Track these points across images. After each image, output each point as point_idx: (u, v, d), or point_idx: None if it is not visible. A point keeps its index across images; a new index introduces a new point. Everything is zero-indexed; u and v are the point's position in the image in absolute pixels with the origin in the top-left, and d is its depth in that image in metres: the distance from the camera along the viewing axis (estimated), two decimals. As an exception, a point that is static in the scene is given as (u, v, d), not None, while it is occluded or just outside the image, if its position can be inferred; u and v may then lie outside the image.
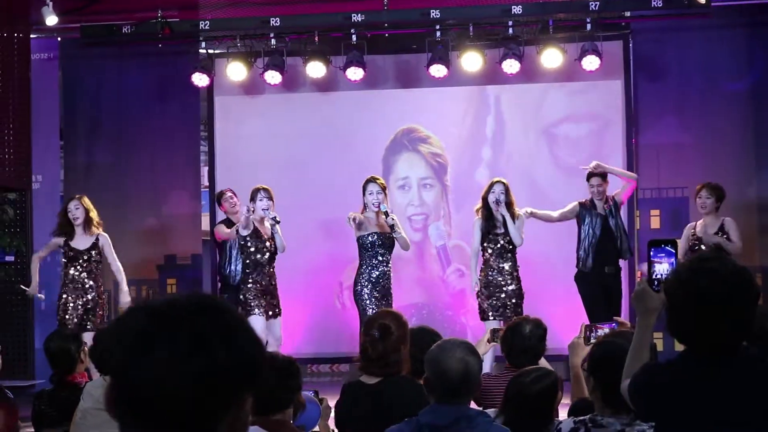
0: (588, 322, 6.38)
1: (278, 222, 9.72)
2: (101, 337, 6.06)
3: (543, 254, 11.31)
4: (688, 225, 10.22)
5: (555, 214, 10.24)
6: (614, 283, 10.13)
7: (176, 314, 1.68)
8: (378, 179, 9.88)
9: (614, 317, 6.63)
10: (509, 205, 9.78)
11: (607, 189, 10.15)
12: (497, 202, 9.72)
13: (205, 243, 12.30)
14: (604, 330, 5.58)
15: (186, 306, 1.70)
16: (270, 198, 9.76)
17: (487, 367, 8.07)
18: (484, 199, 9.87)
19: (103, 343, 1.54)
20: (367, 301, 9.60)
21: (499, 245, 9.81)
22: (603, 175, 10.13)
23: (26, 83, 10.98)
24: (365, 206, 9.74)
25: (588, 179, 10.15)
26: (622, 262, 10.28)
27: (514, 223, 9.74)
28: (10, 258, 10.63)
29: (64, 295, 10.00)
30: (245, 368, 1.69)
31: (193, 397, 1.64)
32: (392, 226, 9.66)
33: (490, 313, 9.76)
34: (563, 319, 10.50)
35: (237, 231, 9.93)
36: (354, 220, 9.60)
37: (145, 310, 1.70)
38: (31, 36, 11.30)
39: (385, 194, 9.76)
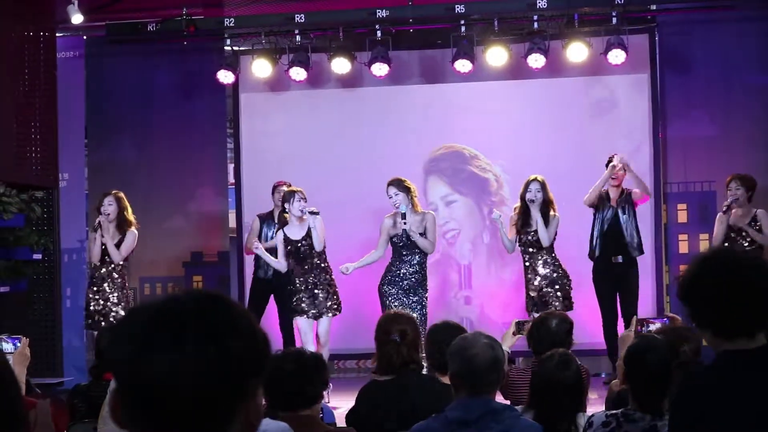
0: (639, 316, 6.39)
1: (317, 213, 9.77)
2: (102, 339, 6.09)
3: (572, 248, 11.29)
4: (720, 214, 10.16)
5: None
6: (625, 274, 10.15)
7: (181, 309, 1.68)
8: (397, 180, 9.89)
9: (666, 313, 6.60)
10: (546, 203, 9.84)
11: (624, 180, 10.22)
12: (532, 201, 9.80)
13: (232, 240, 12.31)
14: (656, 324, 5.57)
15: (189, 300, 1.70)
16: (304, 199, 9.83)
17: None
18: (522, 197, 9.99)
19: (106, 345, 1.54)
20: (388, 299, 9.84)
21: (531, 243, 9.90)
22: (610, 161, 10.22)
23: (52, 81, 11.02)
24: None
25: (607, 165, 10.18)
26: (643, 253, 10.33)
27: (547, 222, 9.82)
28: (37, 256, 10.64)
29: (90, 294, 10.05)
30: (254, 355, 1.70)
31: (208, 388, 1.64)
32: (404, 230, 9.72)
33: (531, 307, 9.90)
34: (591, 313, 10.47)
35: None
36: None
37: (148, 309, 1.70)
38: (57, 34, 11.33)
39: (409, 194, 9.77)
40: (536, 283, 9.89)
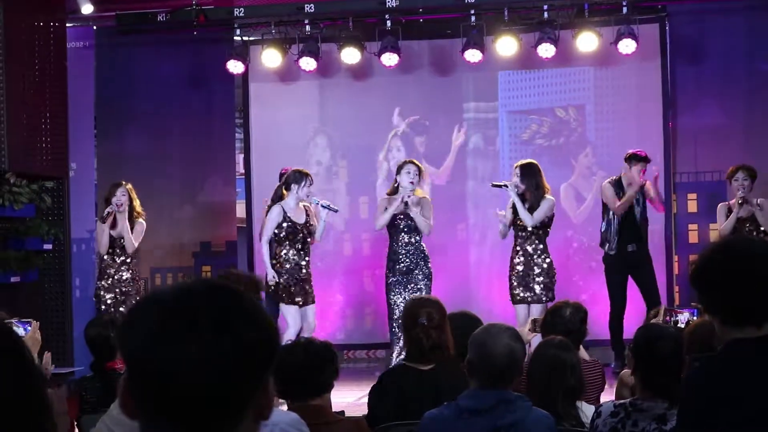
0: (666, 305, 6.34)
1: (336, 210, 9.77)
2: (90, 330, 6.10)
3: (582, 238, 11.28)
4: (722, 204, 10.16)
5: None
6: (638, 259, 10.15)
7: (195, 299, 1.68)
8: (413, 162, 9.91)
9: (693, 303, 6.54)
10: (536, 187, 9.72)
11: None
12: (513, 185, 9.73)
13: (240, 230, 12.32)
14: (683, 314, 5.52)
15: (203, 290, 1.70)
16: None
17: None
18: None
19: (119, 336, 1.54)
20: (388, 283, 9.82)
21: (520, 227, 9.81)
22: (647, 161, 10.12)
23: (62, 72, 11.01)
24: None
25: (632, 164, 10.09)
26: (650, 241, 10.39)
27: (536, 205, 9.69)
28: (48, 246, 10.65)
29: (101, 283, 10.08)
30: (267, 346, 1.70)
31: (222, 378, 1.63)
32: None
33: (519, 296, 9.79)
34: (602, 305, 10.46)
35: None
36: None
37: (160, 298, 1.70)
38: (67, 25, 11.32)
39: (420, 177, 9.80)
40: (519, 268, 9.80)
